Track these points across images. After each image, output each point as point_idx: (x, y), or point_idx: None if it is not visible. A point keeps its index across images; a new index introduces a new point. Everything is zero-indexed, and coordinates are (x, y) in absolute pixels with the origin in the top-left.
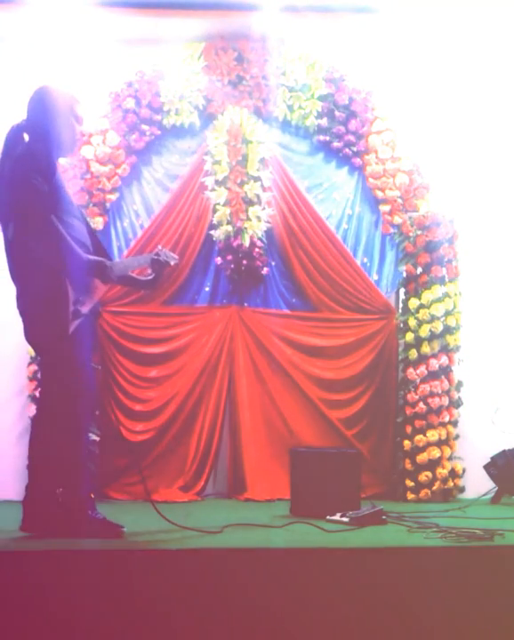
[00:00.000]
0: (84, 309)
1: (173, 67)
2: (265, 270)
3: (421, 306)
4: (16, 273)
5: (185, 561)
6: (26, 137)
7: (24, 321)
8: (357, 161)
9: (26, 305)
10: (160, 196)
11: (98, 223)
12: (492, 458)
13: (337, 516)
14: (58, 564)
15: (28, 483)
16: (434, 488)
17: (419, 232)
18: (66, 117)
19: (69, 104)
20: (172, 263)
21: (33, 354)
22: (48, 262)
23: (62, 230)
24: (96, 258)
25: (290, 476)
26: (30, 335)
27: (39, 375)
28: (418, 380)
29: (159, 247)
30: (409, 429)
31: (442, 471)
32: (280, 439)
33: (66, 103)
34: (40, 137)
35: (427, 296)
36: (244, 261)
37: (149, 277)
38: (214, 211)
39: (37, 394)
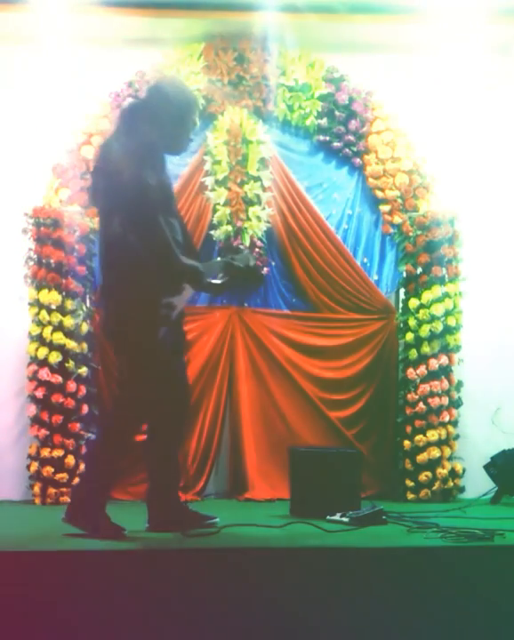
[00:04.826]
0: (174, 314)
1: (173, 67)
2: (265, 270)
3: (421, 306)
4: (110, 266)
5: (185, 561)
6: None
7: (107, 316)
8: (357, 161)
9: (114, 304)
10: None
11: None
12: (492, 458)
13: (337, 516)
14: (58, 564)
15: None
16: (434, 488)
17: (419, 232)
18: (189, 119)
19: (195, 107)
20: (251, 263)
21: (32, 354)
22: (146, 263)
23: (168, 233)
24: (193, 264)
25: (290, 476)
26: (116, 334)
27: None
28: (418, 380)
29: (241, 248)
30: (409, 429)
31: (442, 471)
32: (280, 439)
33: (194, 104)
34: (160, 127)
35: (427, 296)
36: None
37: (220, 281)
38: (214, 211)
39: (38, 394)
